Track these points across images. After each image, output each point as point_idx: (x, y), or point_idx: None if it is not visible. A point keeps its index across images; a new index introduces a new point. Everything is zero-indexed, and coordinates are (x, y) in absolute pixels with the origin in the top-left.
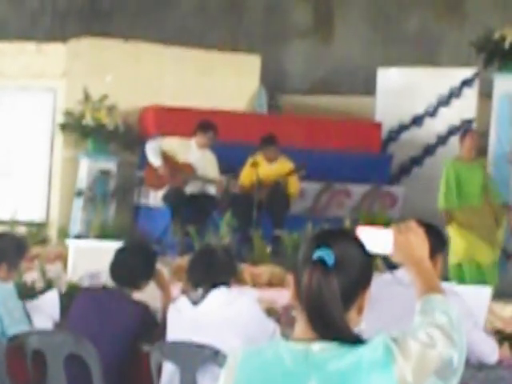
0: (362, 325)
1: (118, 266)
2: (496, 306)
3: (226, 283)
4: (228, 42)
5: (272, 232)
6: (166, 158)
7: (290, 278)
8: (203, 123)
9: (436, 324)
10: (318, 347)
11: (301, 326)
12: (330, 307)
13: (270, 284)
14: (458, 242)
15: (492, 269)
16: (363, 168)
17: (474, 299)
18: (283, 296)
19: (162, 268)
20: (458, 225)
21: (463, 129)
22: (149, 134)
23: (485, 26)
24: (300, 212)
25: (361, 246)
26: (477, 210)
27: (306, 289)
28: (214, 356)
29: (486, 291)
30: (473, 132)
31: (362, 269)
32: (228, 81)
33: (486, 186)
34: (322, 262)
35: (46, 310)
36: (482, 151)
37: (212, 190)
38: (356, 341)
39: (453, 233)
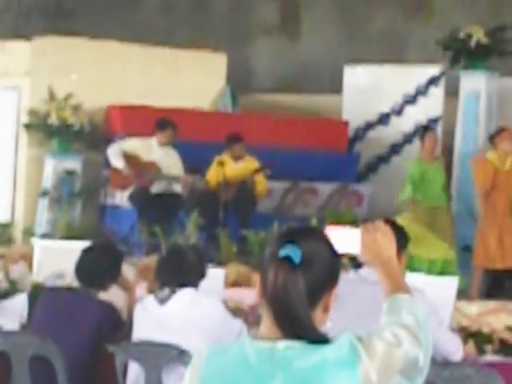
0: (327, 323)
1: (84, 267)
2: (461, 303)
3: (195, 283)
4: (194, 41)
5: (239, 231)
6: (129, 158)
7: (256, 277)
8: (161, 121)
9: (402, 324)
10: (283, 346)
11: (266, 325)
12: (295, 305)
13: (237, 283)
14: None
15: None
16: (330, 167)
17: (441, 290)
18: (250, 295)
19: (128, 268)
20: (410, 220)
21: (421, 128)
22: (115, 133)
23: (451, 25)
24: (267, 211)
25: (328, 244)
26: (440, 211)
27: (271, 286)
28: (180, 356)
29: (453, 282)
30: (432, 133)
31: (329, 267)
32: (194, 79)
33: (445, 185)
34: (288, 259)
35: (14, 312)
36: (448, 150)
37: (178, 188)
38: (321, 339)
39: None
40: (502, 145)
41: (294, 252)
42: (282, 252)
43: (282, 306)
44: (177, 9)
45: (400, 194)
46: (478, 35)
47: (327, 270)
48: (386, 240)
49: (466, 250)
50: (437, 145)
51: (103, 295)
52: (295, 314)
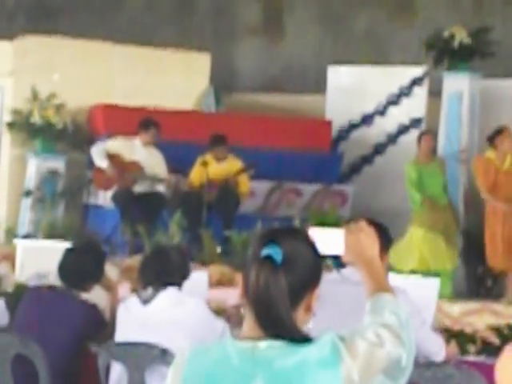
0: (309, 323)
1: (67, 267)
2: (444, 304)
3: (178, 283)
4: (178, 41)
5: (222, 231)
6: (113, 158)
7: (240, 277)
8: (144, 121)
9: (385, 324)
10: (265, 345)
11: (248, 324)
12: (277, 305)
13: (220, 284)
14: (416, 248)
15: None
16: (313, 167)
17: (423, 291)
18: (233, 295)
19: (111, 268)
20: (422, 228)
21: (420, 131)
22: (98, 132)
23: (434, 25)
24: (250, 211)
25: (310, 244)
26: (441, 211)
27: (253, 286)
28: (162, 356)
29: (435, 282)
30: (427, 135)
31: (311, 267)
32: (178, 79)
33: (445, 186)
34: (270, 259)
35: None
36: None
37: (161, 188)
38: (303, 339)
39: (415, 236)
40: (502, 145)
41: (275, 252)
42: (264, 252)
43: (263, 306)
44: (160, 8)
45: (412, 204)
46: (461, 36)
47: (309, 269)
48: (369, 240)
49: None
50: (433, 145)
51: (86, 295)
52: (277, 313)
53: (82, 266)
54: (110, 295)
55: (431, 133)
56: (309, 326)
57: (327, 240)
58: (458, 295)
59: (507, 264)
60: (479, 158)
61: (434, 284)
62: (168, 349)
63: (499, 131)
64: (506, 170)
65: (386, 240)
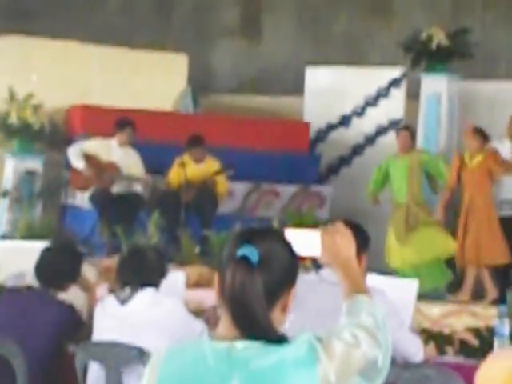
0: (286, 324)
1: (44, 267)
2: (423, 305)
3: (155, 284)
4: (155, 42)
5: (200, 232)
6: (90, 159)
7: (215, 276)
8: (119, 121)
9: (361, 325)
10: (241, 346)
11: (225, 325)
12: (253, 305)
13: (198, 284)
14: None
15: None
16: (292, 168)
17: (402, 292)
18: (211, 296)
19: (89, 268)
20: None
21: (397, 127)
22: (75, 133)
23: (412, 27)
24: (228, 212)
25: (286, 244)
26: (400, 208)
27: (229, 286)
28: (140, 356)
29: (413, 284)
30: (403, 131)
31: (287, 267)
32: (155, 80)
33: (412, 182)
34: (245, 259)
35: None
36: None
37: (138, 188)
38: (280, 340)
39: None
40: (465, 144)
41: (251, 252)
42: (240, 252)
43: (239, 306)
44: (138, 10)
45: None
46: (439, 37)
47: (285, 270)
48: (345, 241)
49: None
50: (409, 142)
51: (63, 295)
52: (253, 314)
53: (58, 266)
54: (88, 295)
55: (408, 129)
56: (286, 327)
57: (304, 241)
58: (438, 296)
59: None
60: (456, 155)
61: (412, 285)
62: (145, 349)
63: (466, 130)
64: (471, 168)
65: (364, 241)
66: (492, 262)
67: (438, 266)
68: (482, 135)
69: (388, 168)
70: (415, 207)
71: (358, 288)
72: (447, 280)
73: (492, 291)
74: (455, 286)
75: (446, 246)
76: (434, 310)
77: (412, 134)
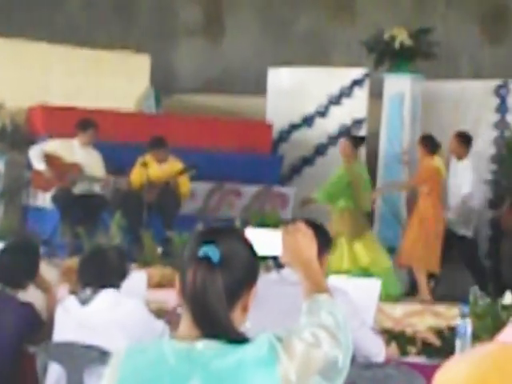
0: (247, 323)
1: (1, 266)
2: (386, 305)
3: (117, 284)
4: (117, 41)
5: (162, 232)
6: (51, 159)
7: (176, 276)
8: (82, 122)
9: (322, 324)
10: (202, 345)
11: (185, 324)
12: (214, 305)
13: (161, 285)
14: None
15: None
16: (254, 168)
17: (364, 292)
18: (174, 297)
19: (51, 269)
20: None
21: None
22: (37, 133)
23: (375, 27)
24: (191, 212)
25: (247, 244)
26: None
27: (190, 286)
28: (101, 356)
29: (376, 284)
30: (342, 140)
31: (248, 267)
32: (117, 80)
33: (355, 190)
34: (207, 259)
35: None
36: (373, 152)
37: (100, 189)
38: (241, 339)
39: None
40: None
41: (212, 251)
42: (201, 251)
43: (200, 306)
44: (99, 9)
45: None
46: (402, 37)
47: (246, 269)
48: (306, 241)
49: (390, 251)
50: (347, 150)
51: (22, 295)
52: (214, 313)
53: (15, 264)
54: (47, 296)
55: (347, 138)
56: (247, 326)
57: (265, 240)
58: (400, 297)
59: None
60: None
61: (375, 285)
62: (107, 350)
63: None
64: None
65: (326, 241)
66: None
67: (388, 276)
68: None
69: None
70: (360, 215)
71: (318, 288)
72: (396, 291)
73: (425, 292)
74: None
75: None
76: (397, 310)
77: (355, 143)
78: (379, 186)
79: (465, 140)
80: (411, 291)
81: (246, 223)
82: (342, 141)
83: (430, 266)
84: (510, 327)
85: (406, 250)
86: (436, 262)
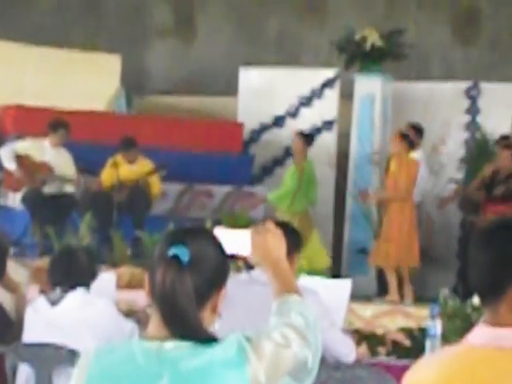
0: (216, 324)
1: None
2: (357, 305)
3: (86, 284)
4: (88, 42)
5: (132, 233)
6: (22, 160)
7: (146, 276)
8: (53, 122)
9: (291, 325)
10: (171, 346)
11: (155, 325)
12: (183, 305)
13: (130, 285)
14: None
15: None
16: (225, 169)
17: (335, 292)
18: (143, 297)
19: (21, 269)
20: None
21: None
22: (8, 133)
23: (346, 27)
24: (161, 213)
25: (216, 244)
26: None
27: (159, 286)
28: (70, 357)
29: (347, 284)
30: (294, 136)
31: (218, 267)
32: (88, 80)
33: (295, 191)
34: (176, 259)
35: None
36: (343, 153)
37: (70, 189)
38: (210, 340)
39: None
40: (391, 146)
41: (182, 252)
42: (171, 252)
43: (170, 306)
44: (70, 9)
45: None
46: (373, 38)
47: (216, 270)
48: (276, 241)
49: (361, 252)
50: (299, 148)
51: None
52: (183, 313)
53: None
54: (15, 296)
55: (299, 136)
56: (216, 327)
57: (234, 241)
58: (368, 297)
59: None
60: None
61: (345, 286)
62: (76, 350)
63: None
64: (391, 171)
65: (296, 241)
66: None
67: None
68: (408, 140)
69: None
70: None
71: (288, 288)
72: None
73: (394, 293)
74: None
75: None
76: (368, 311)
77: (306, 141)
78: (350, 186)
79: (419, 131)
80: (381, 292)
81: (216, 224)
82: (294, 138)
83: (410, 261)
84: (479, 328)
85: (382, 250)
86: (414, 257)
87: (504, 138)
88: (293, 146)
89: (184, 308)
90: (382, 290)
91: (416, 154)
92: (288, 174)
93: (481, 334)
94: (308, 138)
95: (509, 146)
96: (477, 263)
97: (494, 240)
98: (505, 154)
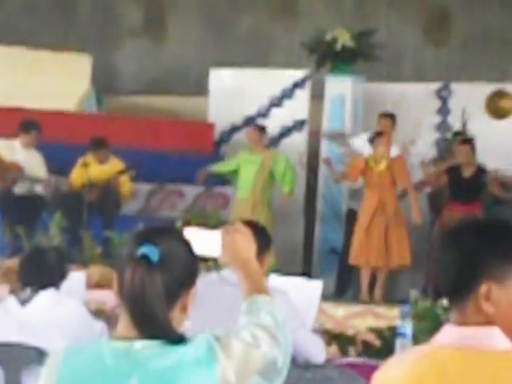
0: (186, 323)
1: None
2: (328, 306)
3: (56, 284)
4: (58, 42)
5: (102, 233)
6: None
7: (114, 276)
8: (25, 123)
9: (261, 324)
10: (140, 345)
11: (124, 324)
12: (152, 305)
13: (100, 285)
14: None
15: None
16: (196, 169)
17: (305, 293)
18: (113, 297)
19: None
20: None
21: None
22: None
23: (317, 28)
24: (131, 213)
25: (186, 244)
26: (242, 203)
27: (128, 286)
28: (39, 357)
29: (318, 285)
30: (251, 128)
31: (187, 267)
32: (58, 81)
33: (256, 180)
34: (145, 258)
35: None
36: (314, 153)
37: (40, 189)
38: (179, 339)
39: None
40: (378, 148)
41: (151, 251)
42: (140, 251)
43: (139, 306)
44: (40, 9)
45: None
46: (344, 39)
47: (185, 269)
48: (245, 241)
49: (332, 252)
50: (256, 138)
51: None
52: (152, 313)
53: None
54: None
55: (256, 126)
56: (186, 327)
57: (204, 241)
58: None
59: (366, 258)
60: (356, 156)
61: (316, 286)
62: (45, 350)
63: (378, 134)
64: (379, 171)
65: (265, 241)
66: (397, 265)
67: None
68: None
69: (239, 161)
70: (260, 205)
71: (257, 288)
72: None
73: (365, 293)
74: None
75: None
76: (339, 311)
77: (264, 133)
78: (320, 186)
79: (393, 118)
80: (340, 292)
81: (187, 224)
82: (250, 129)
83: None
84: (447, 328)
85: (359, 250)
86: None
87: (457, 133)
88: (250, 136)
89: (153, 308)
90: (342, 290)
91: (392, 151)
92: (249, 161)
93: (449, 333)
94: (262, 128)
95: (466, 140)
96: (443, 264)
97: (459, 240)
98: (463, 149)
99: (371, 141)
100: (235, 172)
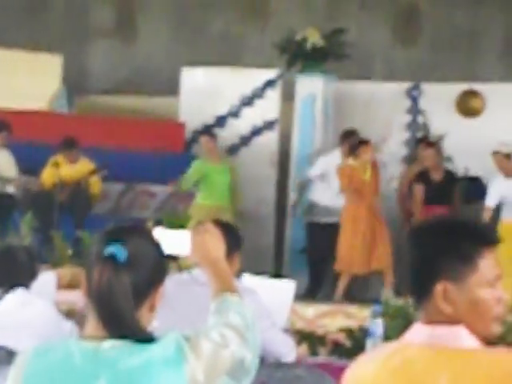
0: (154, 323)
1: None
2: (299, 305)
3: (26, 284)
4: (29, 41)
5: (73, 233)
6: None
7: (82, 275)
8: None
9: (230, 324)
10: (109, 345)
11: (92, 324)
12: (120, 304)
13: (71, 285)
14: None
15: None
16: (167, 168)
17: (277, 292)
18: (83, 297)
19: None
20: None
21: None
22: None
23: (288, 28)
24: (102, 212)
25: (154, 243)
26: (223, 210)
27: (96, 285)
28: (8, 357)
29: (290, 285)
30: (205, 137)
31: (155, 266)
32: (29, 80)
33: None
34: (113, 258)
35: None
36: (284, 153)
37: (11, 189)
38: (148, 339)
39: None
40: (364, 155)
41: (119, 250)
42: (108, 250)
43: (106, 306)
44: (11, 9)
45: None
46: (314, 38)
47: (153, 268)
48: (214, 241)
49: (303, 252)
50: (213, 147)
51: None
52: (120, 313)
53: None
54: None
55: (209, 134)
56: (154, 326)
57: (174, 241)
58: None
59: (361, 266)
60: (342, 166)
61: (289, 287)
62: (14, 350)
63: (363, 142)
64: (366, 179)
65: (236, 241)
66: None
67: None
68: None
69: (206, 170)
70: (223, 212)
71: (226, 288)
72: None
73: (340, 296)
74: (313, 290)
75: None
76: (310, 311)
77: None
78: (291, 186)
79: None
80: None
81: (158, 224)
82: (206, 137)
83: (379, 264)
84: (415, 327)
85: (346, 256)
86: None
87: (421, 139)
88: (207, 146)
89: (121, 307)
90: (314, 289)
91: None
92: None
93: (417, 332)
94: (215, 136)
95: (431, 143)
96: (407, 264)
97: (417, 241)
98: (429, 152)
99: (354, 149)
100: (200, 180)
